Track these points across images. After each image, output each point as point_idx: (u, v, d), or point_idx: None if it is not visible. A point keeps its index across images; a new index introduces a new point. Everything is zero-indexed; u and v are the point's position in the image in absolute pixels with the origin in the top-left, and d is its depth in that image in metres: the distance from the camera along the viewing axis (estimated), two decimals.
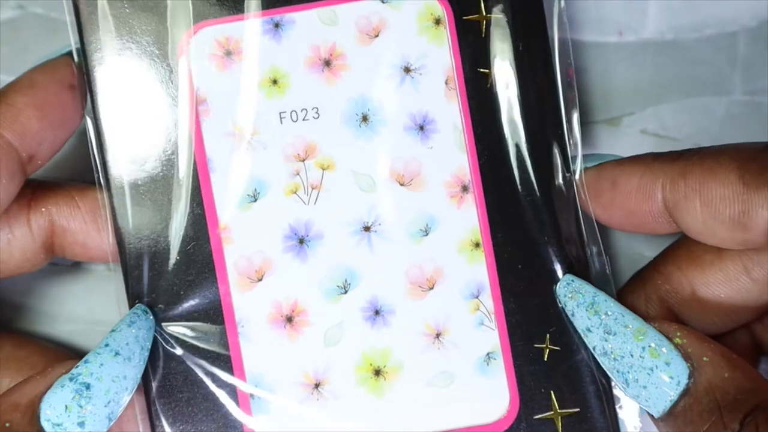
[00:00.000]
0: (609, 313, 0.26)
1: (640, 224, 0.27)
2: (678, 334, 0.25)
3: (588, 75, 0.32)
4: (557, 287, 0.28)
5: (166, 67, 0.28)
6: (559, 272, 0.28)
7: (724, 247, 0.26)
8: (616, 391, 0.28)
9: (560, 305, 0.27)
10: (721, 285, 0.27)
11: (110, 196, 0.28)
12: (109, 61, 0.27)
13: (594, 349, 0.26)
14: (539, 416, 0.28)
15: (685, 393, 0.24)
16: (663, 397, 0.24)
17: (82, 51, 0.28)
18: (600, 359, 0.26)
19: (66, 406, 0.24)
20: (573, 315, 0.27)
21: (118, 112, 0.28)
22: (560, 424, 0.28)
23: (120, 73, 0.28)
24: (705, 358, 0.24)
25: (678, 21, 0.31)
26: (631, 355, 0.25)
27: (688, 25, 0.31)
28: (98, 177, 0.28)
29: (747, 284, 0.26)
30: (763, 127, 0.31)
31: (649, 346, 0.25)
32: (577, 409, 0.28)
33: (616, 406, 0.28)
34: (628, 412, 0.28)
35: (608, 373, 0.26)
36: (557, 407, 0.28)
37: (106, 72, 0.27)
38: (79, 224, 0.28)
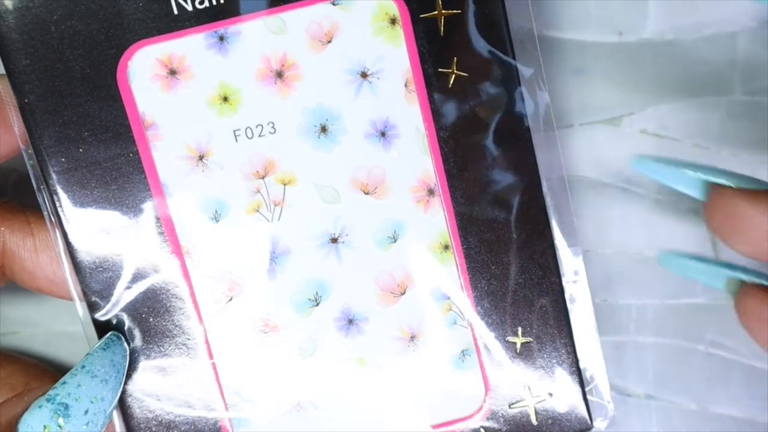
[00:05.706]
0: None
1: None
2: None
3: (588, 75, 0.31)
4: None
5: (106, 94, 0.26)
6: (530, 268, 0.28)
7: None
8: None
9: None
10: None
11: (64, 235, 0.26)
12: (41, 93, 0.25)
13: None
14: (514, 405, 0.29)
15: None
16: None
17: (11, 82, 0.25)
18: None
19: (44, 426, 0.24)
20: None
21: (60, 149, 0.26)
22: (534, 411, 0.29)
23: (55, 105, 0.25)
24: None
25: (678, 21, 0.30)
26: None
27: (688, 25, 0.30)
28: (47, 215, 0.26)
29: None
30: (763, 127, 0.31)
31: None
32: (550, 393, 0.29)
33: (587, 389, 0.29)
34: (598, 394, 0.29)
35: None
36: (531, 395, 0.29)
37: (40, 105, 0.25)
38: (28, 252, 0.27)
